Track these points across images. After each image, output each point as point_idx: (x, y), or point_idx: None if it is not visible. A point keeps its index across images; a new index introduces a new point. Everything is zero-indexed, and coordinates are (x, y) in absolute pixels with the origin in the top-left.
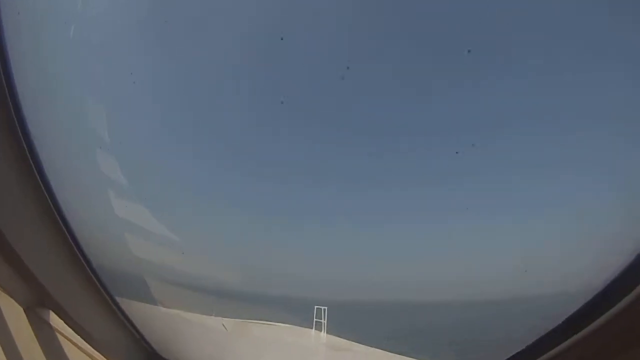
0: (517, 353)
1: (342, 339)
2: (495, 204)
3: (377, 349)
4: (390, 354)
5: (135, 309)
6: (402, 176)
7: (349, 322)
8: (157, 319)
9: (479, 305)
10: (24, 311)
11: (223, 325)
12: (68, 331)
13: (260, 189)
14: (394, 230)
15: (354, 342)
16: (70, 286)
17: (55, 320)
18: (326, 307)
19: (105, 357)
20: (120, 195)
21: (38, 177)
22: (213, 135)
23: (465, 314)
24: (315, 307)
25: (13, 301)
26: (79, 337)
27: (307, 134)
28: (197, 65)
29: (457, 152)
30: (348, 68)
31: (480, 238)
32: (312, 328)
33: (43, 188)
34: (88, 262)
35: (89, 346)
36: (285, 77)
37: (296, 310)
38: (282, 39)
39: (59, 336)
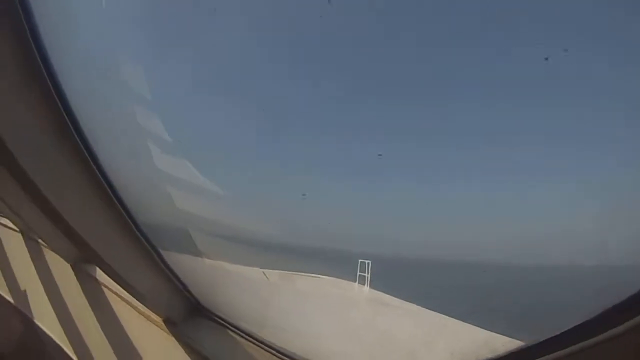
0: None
1: (385, 294)
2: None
3: (420, 307)
4: (433, 312)
5: (178, 262)
6: (463, 134)
7: (395, 278)
8: (200, 271)
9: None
10: (71, 267)
11: (264, 274)
12: (113, 285)
13: (305, 143)
14: (446, 188)
15: (396, 298)
16: (113, 241)
17: (101, 274)
18: (370, 261)
19: (151, 309)
20: (162, 149)
21: (76, 137)
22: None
23: (520, 277)
24: (360, 260)
25: (60, 258)
26: (124, 290)
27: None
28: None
29: None
30: None
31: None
32: (355, 281)
33: (82, 146)
34: (130, 216)
35: (134, 299)
36: None
37: (340, 264)
38: None
39: (105, 290)
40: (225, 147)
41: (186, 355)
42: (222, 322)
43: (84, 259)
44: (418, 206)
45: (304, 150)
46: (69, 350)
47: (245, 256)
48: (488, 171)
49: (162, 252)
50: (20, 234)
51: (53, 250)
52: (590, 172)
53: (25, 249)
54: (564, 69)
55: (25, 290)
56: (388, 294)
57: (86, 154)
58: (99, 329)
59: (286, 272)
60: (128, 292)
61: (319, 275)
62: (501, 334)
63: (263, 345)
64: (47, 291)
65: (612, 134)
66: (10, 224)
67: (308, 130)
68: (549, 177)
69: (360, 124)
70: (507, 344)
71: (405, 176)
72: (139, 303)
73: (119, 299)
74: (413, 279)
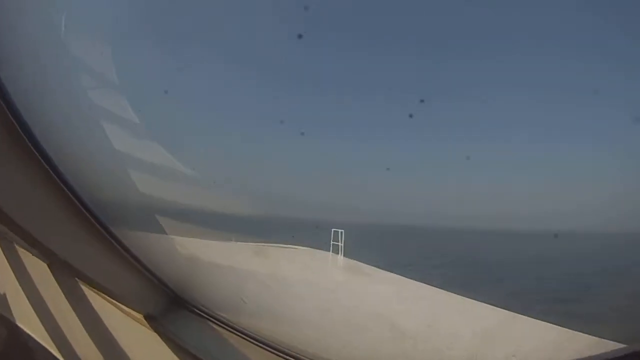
0: None
1: (360, 263)
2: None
3: (394, 274)
4: (406, 279)
5: (150, 254)
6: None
7: (370, 246)
8: (174, 261)
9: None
10: (48, 266)
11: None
12: None
13: (272, 106)
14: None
15: (371, 266)
16: (79, 243)
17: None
18: (343, 230)
19: (129, 307)
20: (119, 128)
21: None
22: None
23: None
24: (332, 230)
25: (35, 258)
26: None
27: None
28: None
29: None
30: None
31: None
32: (329, 251)
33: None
34: (93, 214)
35: None
36: None
37: (313, 233)
38: None
39: (83, 287)
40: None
41: (169, 349)
42: (202, 312)
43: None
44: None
45: (274, 114)
46: (54, 350)
47: (218, 234)
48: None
49: (131, 247)
50: None
51: (26, 250)
52: None
53: (0, 251)
54: None
55: (4, 294)
56: (364, 262)
57: (36, 154)
58: (82, 328)
59: (261, 244)
60: (103, 292)
61: (294, 246)
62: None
63: (243, 334)
64: (27, 293)
65: None
66: None
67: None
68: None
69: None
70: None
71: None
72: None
73: (99, 296)
74: (389, 246)
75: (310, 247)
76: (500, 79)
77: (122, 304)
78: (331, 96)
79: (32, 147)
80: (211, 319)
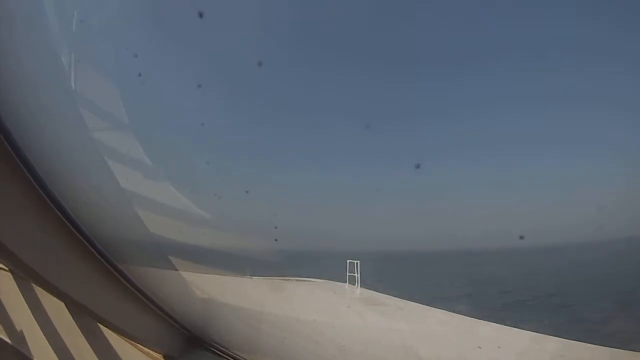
0: None
1: (377, 293)
2: None
3: (411, 302)
4: (425, 307)
5: (166, 297)
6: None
7: (385, 275)
8: (193, 303)
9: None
10: (65, 304)
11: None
12: None
13: (283, 138)
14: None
15: (389, 296)
16: (94, 287)
17: None
18: (359, 261)
19: (147, 347)
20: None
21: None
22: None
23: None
24: (348, 261)
25: (51, 296)
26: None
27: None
28: None
29: None
30: None
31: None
32: (345, 282)
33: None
34: (107, 259)
35: None
36: None
37: (329, 265)
38: None
39: (102, 327)
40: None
41: None
42: (219, 351)
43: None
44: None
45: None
46: None
47: (232, 271)
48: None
49: (146, 289)
50: (9, 273)
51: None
52: None
53: (17, 288)
54: None
55: (21, 331)
56: (382, 292)
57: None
58: None
59: (277, 278)
60: (120, 335)
61: (310, 279)
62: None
63: None
64: (44, 330)
65: None
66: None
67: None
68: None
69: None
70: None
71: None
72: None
73: (117, 335)
74: (405, 274)
75: (327, 280)
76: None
77: (141, 344)
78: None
79: (44, 196)
80: (228, 356)
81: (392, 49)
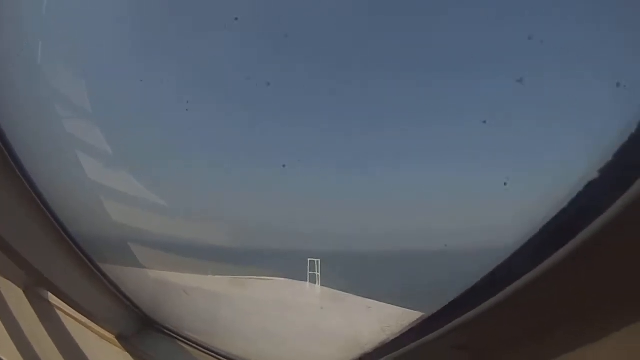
0: None
1: (337, 291)
2: None
3: (374, 300)
4: (387, 305)
5: (123, 277)
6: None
7: (344, 273)
8: (146, 284)
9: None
10: (23, 292)
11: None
12: (66, 306)
13: (244, 134)
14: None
15: (349, 294)
16: (55, 262)
17: (53, 297)
18: (319, 259)
19: (101, 326)
20: (93, 158)
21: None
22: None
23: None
24: (309, 259)
25: (11, 284)
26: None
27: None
28: None
29: None
30: None
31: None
32: (306, 281)
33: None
34: (69, 234)
35: (87, 318)
36: None
37: (289, 264)
38: None
39: (58, 312)
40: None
41: None
42: (173, 333)
43: (35, 282)
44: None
45: (246, 143)
46: None
47: (192, 264)
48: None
49: (104, 268)
50: None
51: (3, 276)
52: None
53: None
54: None
55: None
56: (342, 289)
57: (19, 174)
58: (56, 350)
59: (235, 277)
60: (77, 310)
61: (270, 278)
62: None
63: (215, 354)
64: (3, 319)
65: None
66: None
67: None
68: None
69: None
70: None
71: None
72: (92, 322)
73: (72, 319)
74: (368, 273)
75: (287, 278)
76: None
77: (95, 322)
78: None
79: (15, 167)
80: (181, 338)
81: None
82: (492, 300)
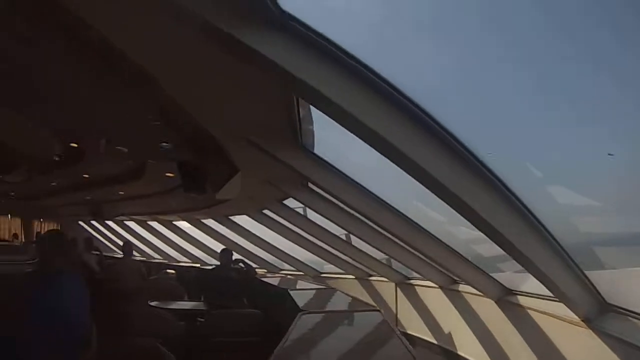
0: None
1: None
2: None
3: None
4: None
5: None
6: None
7: None
8: (604, 276)
9: None
10: (495, 303)
11: None
12: (534, 304)
13: None
14: None
15: None
16: (541, 257)
17: (524, 301)
18: None
19: (571, 309)
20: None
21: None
22: None
23: None
24: None
25: (484, 298)
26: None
27: None
28: None
29: None
30: None
31: None
32: None
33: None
34: (555, 239)
35: (553, 311)
36: None
37: None
38: None
39: (528, 311)
40: None
41: (602, 343)
42: (631, 313)
43: (505, 293)
44: None
45: None
46: None
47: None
48: None
49: (577, 264)
50: (439, 289)
51: (481, 292)
52: None
53: (446, 299)
54: None
55: (449, 332)
56: None
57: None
58: (523, 342)
59: None
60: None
61: None
62: None
63: None
64: (472, 327)
65: None
66: (431, 284)
67: None
68: None
69: None
70: None
71: None
72: (557, 313)
73: (539, 313)
74: None
75: None
76: None
77: (565, 303)
78: None
79: None
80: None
81: None
82: None
